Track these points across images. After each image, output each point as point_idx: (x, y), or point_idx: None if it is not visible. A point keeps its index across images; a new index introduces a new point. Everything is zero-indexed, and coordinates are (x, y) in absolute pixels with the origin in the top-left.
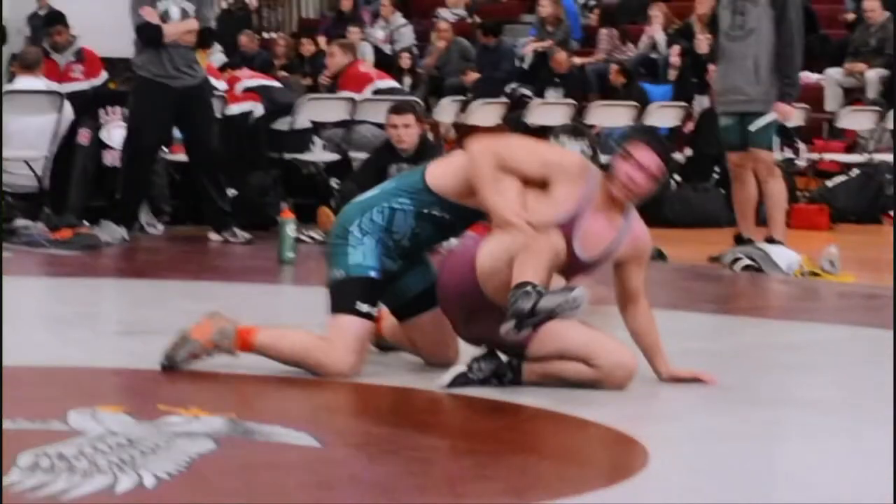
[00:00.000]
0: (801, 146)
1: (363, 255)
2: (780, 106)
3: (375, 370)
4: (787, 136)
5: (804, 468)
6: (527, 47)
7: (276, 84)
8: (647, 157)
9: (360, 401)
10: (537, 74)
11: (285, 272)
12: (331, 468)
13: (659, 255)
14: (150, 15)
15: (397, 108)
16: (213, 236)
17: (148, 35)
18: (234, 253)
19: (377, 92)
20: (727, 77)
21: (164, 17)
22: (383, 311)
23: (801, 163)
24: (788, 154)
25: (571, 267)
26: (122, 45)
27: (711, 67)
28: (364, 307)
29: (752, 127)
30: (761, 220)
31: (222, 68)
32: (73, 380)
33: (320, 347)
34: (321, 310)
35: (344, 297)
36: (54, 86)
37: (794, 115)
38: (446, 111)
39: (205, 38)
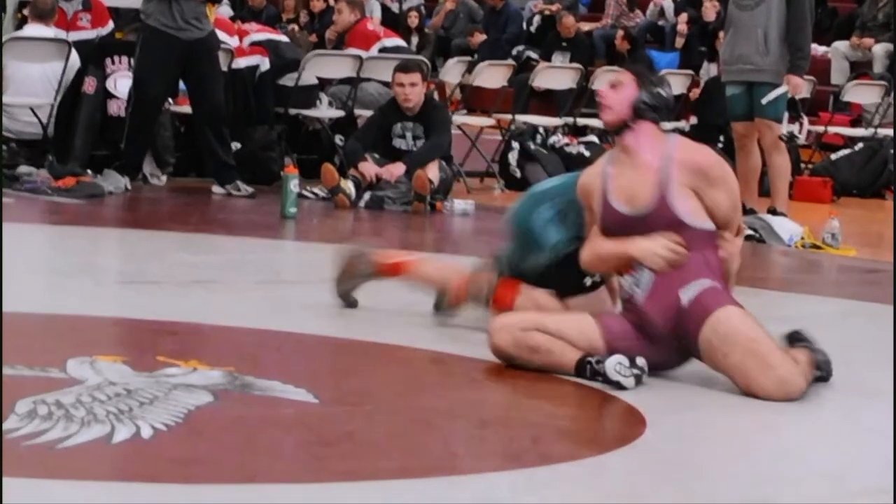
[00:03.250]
0: (805, 121)
1: (558, 232)
2: (791, 78)
3: (373, 329)
4: (794, 108)
5: (800, 441)
6: (535, 9)
7: (284, 39)
8: (602, 89)
9: (359, 359)
10: (544, 38)
11: (287, 227)
12: (327, 425)
13: None
14: None
15: (404, 67)
16: (216, 189)
17: None
18: (236, 206)
19: (384, 50)
20: (735, 46)
21: None
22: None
23: (801, 139)
24: (792, 128)
25: (630, 227)
26: None
27: (720, 35)
28: (588, 280)
29: (764, 100)
30: (764, 191)
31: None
32: (73, 329)
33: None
34: (320, 266)
35: (566, 279)
36: (62, 34)
37: (804, 88)
38: (452, 72)
39: None
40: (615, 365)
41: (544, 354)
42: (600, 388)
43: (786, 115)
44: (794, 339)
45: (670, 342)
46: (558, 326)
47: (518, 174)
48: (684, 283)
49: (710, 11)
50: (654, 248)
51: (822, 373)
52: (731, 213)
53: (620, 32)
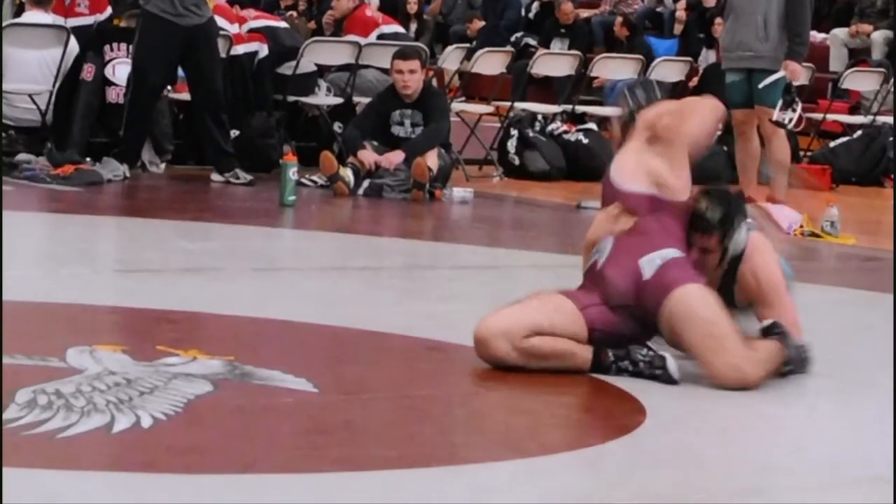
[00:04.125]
0: (798, 108)
1: None
2: (790, 64)
3: (371, 317)
4: (788, 94)
5: (796, 430)
6: None
7: (283, 25)
8: None
9: (357, 348)
10: (542, 25)
11: (286, 215)
12: (326, 414)
13: None
14: None
15: (402, 54)
16: (215, 177)
17: None
18: (235, 194)
19: (382, 37)
20: (735, 33)
21: None
22: None
23: (790, 126)
24: (784, 115)
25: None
26: None
27: (718, 21)
28: None
29: (761, 84)
30: (764, 178)
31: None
32: (72, 318)
33: None
34: (318, 254)
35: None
36: (60, 20)
37: (802, 74)
38: (451, 59)
39: None
40: (642, 357)
41: (555, 360)
42: (598, 377)
43: (779, 102)
44: (769, 331)
45: (632, 311)
46: (552, 322)
47: (517, 162)
48: (645, 252)
49: None
50: (599, 216)
51: (790, 367)
52: (688, 129)
53: (619, 19)
